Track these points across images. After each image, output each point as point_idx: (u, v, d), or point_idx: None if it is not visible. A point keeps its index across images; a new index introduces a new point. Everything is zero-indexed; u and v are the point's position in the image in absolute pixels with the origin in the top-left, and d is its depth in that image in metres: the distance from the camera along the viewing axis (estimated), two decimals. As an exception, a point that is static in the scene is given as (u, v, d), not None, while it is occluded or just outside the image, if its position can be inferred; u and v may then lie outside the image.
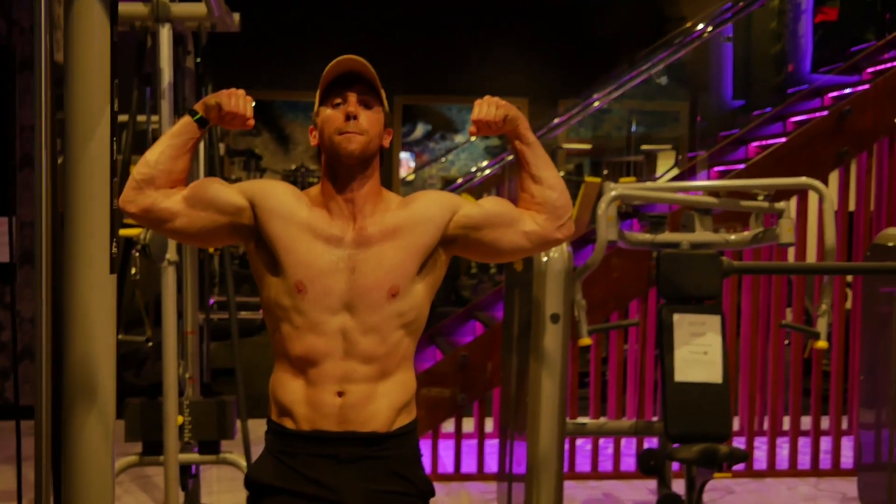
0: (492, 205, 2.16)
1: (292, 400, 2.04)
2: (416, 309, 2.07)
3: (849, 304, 5.25)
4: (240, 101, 2.05)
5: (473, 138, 10.33)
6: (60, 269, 1.48)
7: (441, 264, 2.13)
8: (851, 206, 4.87)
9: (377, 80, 2.08)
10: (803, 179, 3.76)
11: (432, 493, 2.13)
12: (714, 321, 3.69)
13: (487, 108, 2.11)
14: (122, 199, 2.00)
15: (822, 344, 3.69)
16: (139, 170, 2.00)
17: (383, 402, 2.04)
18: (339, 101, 2.06)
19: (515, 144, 2.16)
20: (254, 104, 2.09)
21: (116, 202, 1.62)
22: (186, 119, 2.04)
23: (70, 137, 1.47)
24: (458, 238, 2.12)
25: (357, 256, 2.03)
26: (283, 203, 2.06)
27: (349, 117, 2.03)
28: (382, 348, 2.04)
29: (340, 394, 2.02)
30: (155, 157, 2.01)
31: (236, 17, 3.55)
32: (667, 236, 3.78)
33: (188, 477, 3.70)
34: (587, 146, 9.78)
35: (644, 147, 8.82)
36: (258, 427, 2.22)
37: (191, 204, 2.03)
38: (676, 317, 3.68)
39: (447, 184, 8.58)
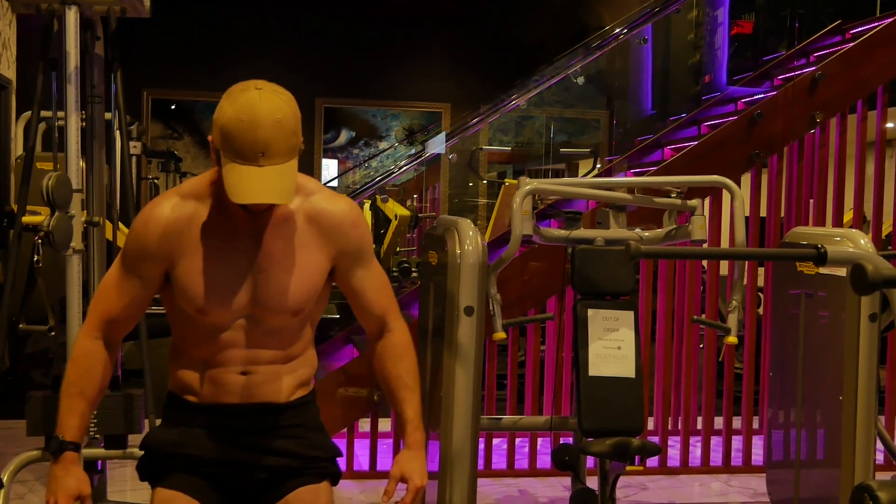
0: (370, 291, 2.13)
1: (194, 379, 2.02)
2: (318, 312, 2.11)
3: (761, 310, 5.35)
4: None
5: (396, 143, 10.35)
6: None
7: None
8: (763, 210, 4.97)
9: (288, 149, 1.91)
10: (714, 177, 3.82)
11: (339, 454, 2.13)
12: (627, 317, 3.73)
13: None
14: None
15: (731, 339, 3.74)
16: None
17: (287, 380, 2.05)
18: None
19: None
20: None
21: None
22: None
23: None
24: (332, 273, 2.11)
25: (258, 276, 1.99)
26: (175, 245, 1.98)
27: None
28: (286, 340, 2.05)
29: (245, 373, 2.00)
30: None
31: (147, 1, 3.48)
32: (581, 232, 3.81)
33: (93, 473, 3.60)
34: (507, 149, 9.84)
35: (563, 151, 8.91)
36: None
37: (124, 323, 2.04)
38: (591, 312, 3.70)
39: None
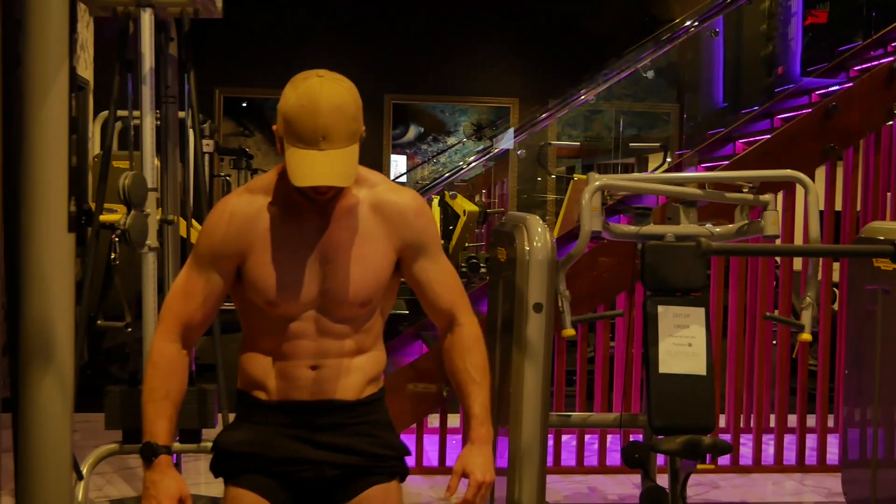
0: (437, 279, 2.13)
1: (264, 374, 2.05)
2: (387, 306, 2.14)
3: (836, 306, 5.24)
4: None
5: (465, 138, 10.36)
6: (17, 229, 1.47)
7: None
8: (838, 205, 4.87)
9: (350, 128, 1.94)
10: (787, 172, 3.76)
11: (408, 453, 2.14)
12: (698, 313, 3.68)
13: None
14: None
15: (805, 336, 3.68)
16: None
17: (357, 375, 2.06)
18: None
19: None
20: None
21: (74, 159, 1.61)
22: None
23: (27, 92, 1.46)
24: (399, 266, 2.12)
25: (325, 267, 2.01)
26: (245, 239, 2.02)
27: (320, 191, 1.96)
28: (355, 331, 2.06)
29: (314, 367, 2.02)
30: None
31: (219, 2, 3.54)
32: (651, 228, 3.77)
33: (168, 466, 3.67)
34: (575, 144, 9.78)
35: (633, 145, 8.83)
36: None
37: (200, 324, 2.07)
38: (661, 308, 3.66)
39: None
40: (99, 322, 3.44)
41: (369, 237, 2.02)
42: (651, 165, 8.86)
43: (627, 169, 9.07)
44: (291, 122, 1.89)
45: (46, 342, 1.53)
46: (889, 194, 4.85)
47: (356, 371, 2.05)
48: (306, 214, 2.00)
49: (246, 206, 2.02)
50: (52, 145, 1.49)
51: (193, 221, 4.17)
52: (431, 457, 4.70)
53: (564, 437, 4.84)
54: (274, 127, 1.98)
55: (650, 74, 5.75)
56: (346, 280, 1.99)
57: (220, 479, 2.14)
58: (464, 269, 7.81)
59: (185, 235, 3.91)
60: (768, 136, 4.86)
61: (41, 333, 1.52)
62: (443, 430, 4.62)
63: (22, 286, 1.49)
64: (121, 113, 3.44)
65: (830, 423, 5.00)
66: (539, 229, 3.49)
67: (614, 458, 4.67)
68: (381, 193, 2.07)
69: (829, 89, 5.48)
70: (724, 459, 4.66)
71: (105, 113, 3.41)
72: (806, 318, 3.69)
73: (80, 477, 3.30)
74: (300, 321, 2.01)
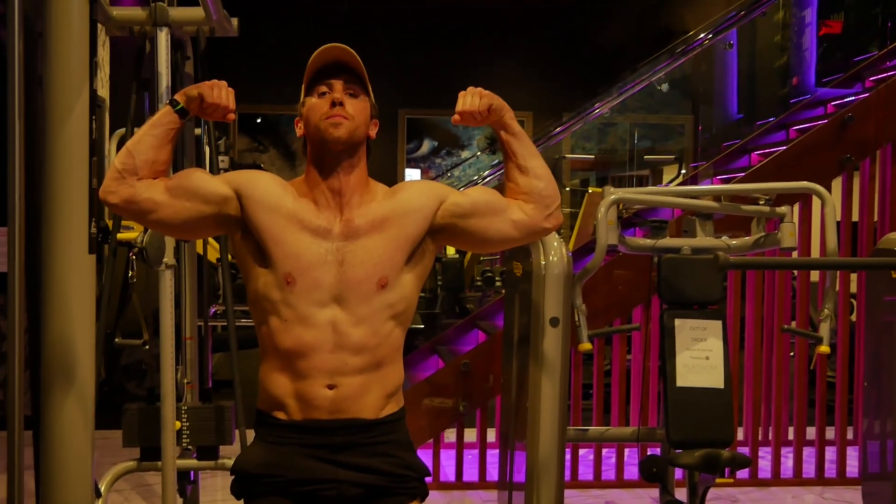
0: (479, 193, 2.17)
1: (282, 394, 2.04)
2: (405, 299, 2.07)
3: (854, 317, 5.21)
4: (222, 92, 2.04)
5: (479, 152, 10.38)
6: (39, 250, 1.47)
7: (429, 254, 2.13)
8: (855, 216, 4.85)
9: (363, 69, 2.09)
10: (804, 183, 3.75)
11: (428, 474, 2.13)
12: (715, 326, 3.67)
13: (471, 98, 2.13)
14: (103, 190, 1.96)
15: (824, 349, 3.66)
16: (121, 160, 1.97)
17: (375, 392, 2.04)
18: (324, 90, 2.07)
19: (501, 135, 2.17)
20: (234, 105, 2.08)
21: (95, 182, 1.62)
22: (167, 109, 2.03)
23: (48, 115, 1.47)
24: (445, 227, 2.12)
25: (345, 248, 2.01)
26: (270, 193, 2.04)
27: (335, 104, 2.03)
28: (374, 339, 2.03)
29: (331, 387, 2.01)
30: (136, 146, 1.99)
31: (234, 21, 3.56)
32: (668, 241, 3.77)
33: (187, 483, 3.67)
34: (590, 157, 9.77)
35: (647, 158, 8.81)
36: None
37: (174, 194, 2.00)
38: (678, 322, 3.65)
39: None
40: (116, 340, 3.44)
41: (387, 219, 2.05)
42: (666, 178, 8.85)
43: (642, 181, 9.06)
44: (309, 66, 2.07)
45: (68, 362, 1.53)
46: (906, 205, 4.83)
47: (374, 387, 2.04)
48: (326, 206, 2.03)
49: (277, 179, 2.09)
50: (74, 168, 1.50)
51: (210, 238, 4.19)
52: (448, 472, 4.69)
53: (582, 452, 4.83)
54: (296, 120, 2.12)
55: (664, 87, 5.74)
56: (366, 257, 2.00)
57: (240, 501, 2.13)
58: (479, 283, 7.80)
59: (201, 252, 3.92)
60: (784, 148, 4.85)
61: (62, 354, 1.52)
62: (459, 446, 4.61)
63: (43, 306, 1.50)
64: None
65: (850, 436, 4.96)
66: (555, 243, 3.49)
67: (632, 472, 4.65)
68: (388, 187, 2.14)
69: (845, 100, 5.47)
70: (742, 473, 4.64)
71: (122, 130, 3.42)
72: (824, 330, 3.68)
73: (98, 494, 3.30)
74: (317, 329, 1.98)
